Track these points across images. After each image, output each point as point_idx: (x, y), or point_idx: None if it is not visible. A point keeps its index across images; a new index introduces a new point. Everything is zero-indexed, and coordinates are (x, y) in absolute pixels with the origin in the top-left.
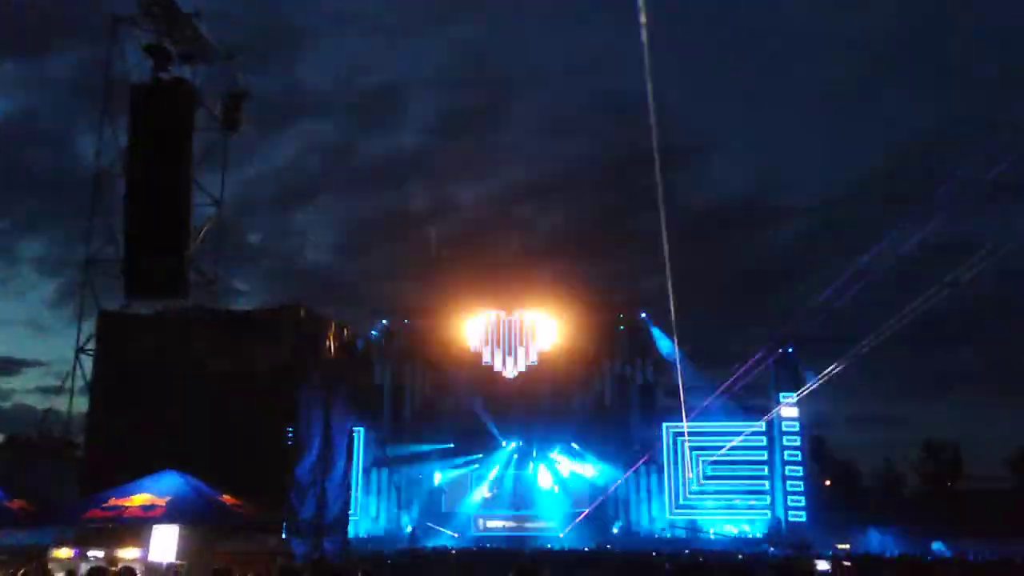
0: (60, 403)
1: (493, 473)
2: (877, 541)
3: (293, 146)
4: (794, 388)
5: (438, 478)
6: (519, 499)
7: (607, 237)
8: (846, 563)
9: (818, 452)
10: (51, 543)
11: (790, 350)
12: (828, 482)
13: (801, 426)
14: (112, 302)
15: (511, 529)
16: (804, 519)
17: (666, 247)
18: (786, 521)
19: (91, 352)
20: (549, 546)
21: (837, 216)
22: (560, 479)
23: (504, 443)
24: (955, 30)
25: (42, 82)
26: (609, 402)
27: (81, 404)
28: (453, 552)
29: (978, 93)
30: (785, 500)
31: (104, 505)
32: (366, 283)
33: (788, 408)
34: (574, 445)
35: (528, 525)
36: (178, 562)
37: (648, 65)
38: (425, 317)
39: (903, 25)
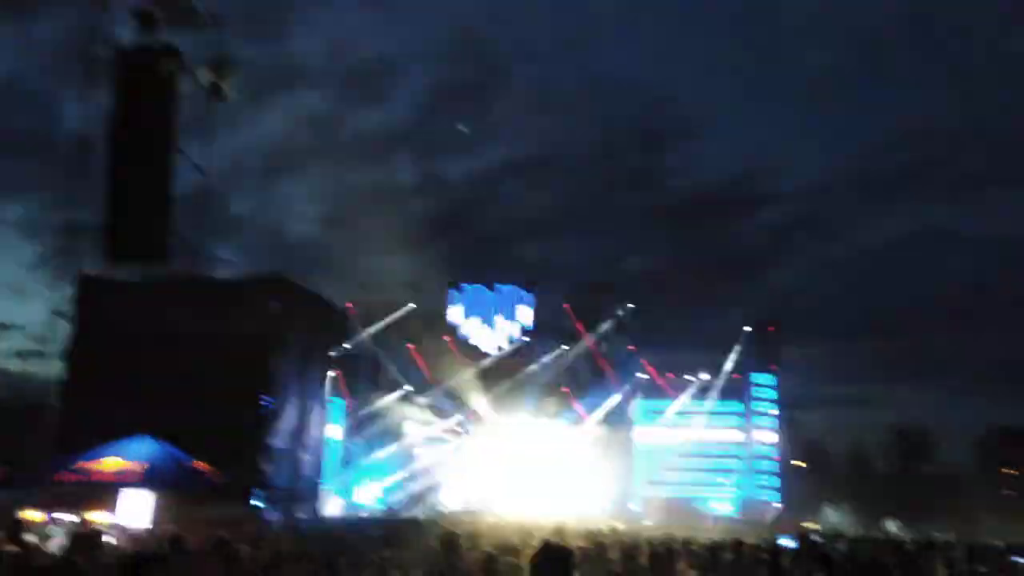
0: (36, 366)
1: (471, 447)
2: (834, 519)
3: (282, 117)
4: (769, 369)
5: (417, 450)
6: (496, 473)
7: (593, 214)
8: (814, 539)
9: (791, 433)
10: (18, 505)
11: (766, 332)
12: (801, 463)
13: (774, 407)
14: (93, 267)
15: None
16: (778, 499)
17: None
18: (759, 500)
19: (69, 316)
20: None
21: (819, 203)
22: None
23: (483, 416)
24: (944, 25)
25: (27, 45)
26: (586, 379)
27: (58, 368)
28: (429, 521)
29: (963, 87)
30: (756, 480)
31: (74, 468)
32: (351, 255)
33: (762, 389)
34: (553, 420)
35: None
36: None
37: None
38: (408, 291)
39: (892, 18)
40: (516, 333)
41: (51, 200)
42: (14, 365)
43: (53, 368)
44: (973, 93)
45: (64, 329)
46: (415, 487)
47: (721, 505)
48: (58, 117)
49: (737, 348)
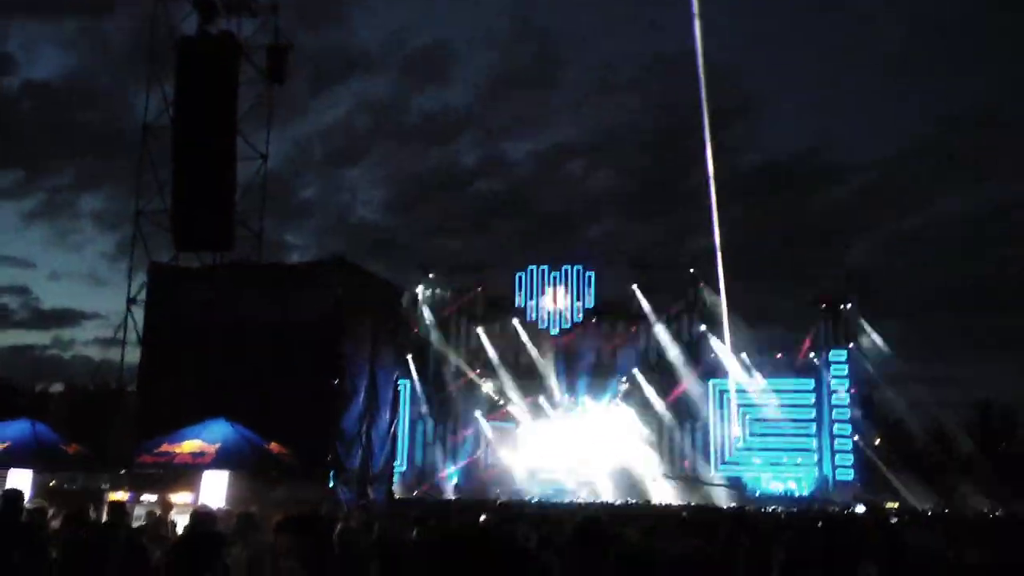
0: (116, 353)
1: (538, 427)
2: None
3: (344, 104)
4: (844, 345)
5: (484, 431)
6: (564, 453)
7: (656, 194)
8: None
9: (868, 411)
10: (107, 487)
11: (841, 307)
12: (878, 441)
13: (850, 384)
14: (164, 255)
15: (556, 481)
16: (852, 477)
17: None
18: (834, 479)
19: (143, 303)
20: (592, 500)
21: (890, 176)
22: (606, 434)
23: (550, 398)
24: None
25: (100, 40)
26: (655, 359)
27: (135, 354)
28: (498, 503)
29: None
30: (833, 458)
31: (156, 451)
32: (415, 239)
33: (838, 366)
34: (619, 402)
35: (573, 479)
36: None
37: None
38: (472, 272)
39: None
40: (581, 314)
41: (126, 191)
42: (95, 352)
43: (130, 355)
44: None
45: (139, 317)
46: (488, 469)
47: (796, 485)
48: (130, 109)
49: (817, 322)
